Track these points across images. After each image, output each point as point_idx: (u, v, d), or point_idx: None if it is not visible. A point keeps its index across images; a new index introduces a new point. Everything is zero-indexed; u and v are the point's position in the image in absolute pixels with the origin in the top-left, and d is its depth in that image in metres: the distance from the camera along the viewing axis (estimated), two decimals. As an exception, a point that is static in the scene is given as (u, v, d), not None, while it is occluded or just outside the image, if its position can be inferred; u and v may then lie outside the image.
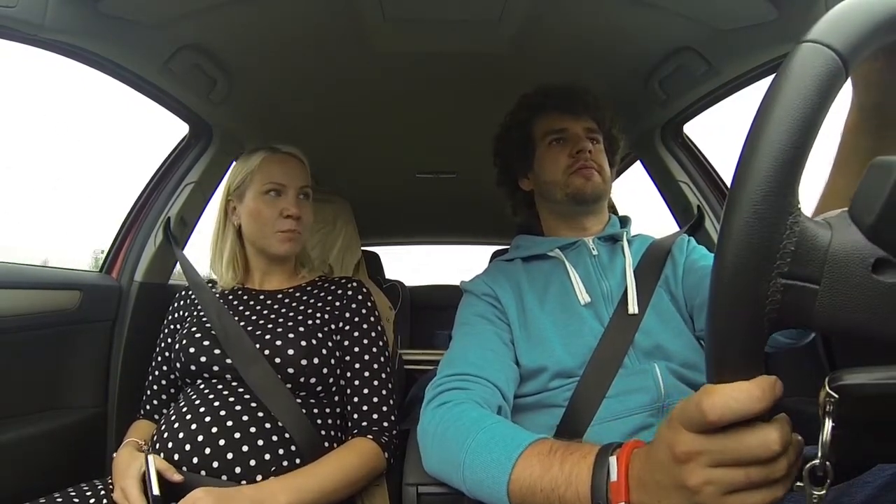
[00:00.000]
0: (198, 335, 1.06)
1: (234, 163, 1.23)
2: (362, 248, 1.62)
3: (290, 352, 1.02)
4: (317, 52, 1.20)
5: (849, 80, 0.49)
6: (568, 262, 1.00)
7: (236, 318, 1.09)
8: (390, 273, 2.54)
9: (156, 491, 0.85)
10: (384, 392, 1.08)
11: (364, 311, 1.14)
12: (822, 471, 0.38)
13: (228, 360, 1.01)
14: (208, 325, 1.08)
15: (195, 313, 1.14)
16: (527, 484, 0.61)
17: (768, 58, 1.09)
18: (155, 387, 1.16)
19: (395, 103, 1.46)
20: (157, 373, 1.16)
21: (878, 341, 0.36)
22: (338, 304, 1.14)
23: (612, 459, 0.54)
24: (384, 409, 1.07)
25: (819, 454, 0.38)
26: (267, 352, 1.02)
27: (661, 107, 1.38)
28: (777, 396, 0.38)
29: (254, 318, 1.11)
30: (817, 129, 0.36)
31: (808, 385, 0.47)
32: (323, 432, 1.03)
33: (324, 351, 1.05)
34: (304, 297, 1.16)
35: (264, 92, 1.37)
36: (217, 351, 1.03)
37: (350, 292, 1.16)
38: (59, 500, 0.91)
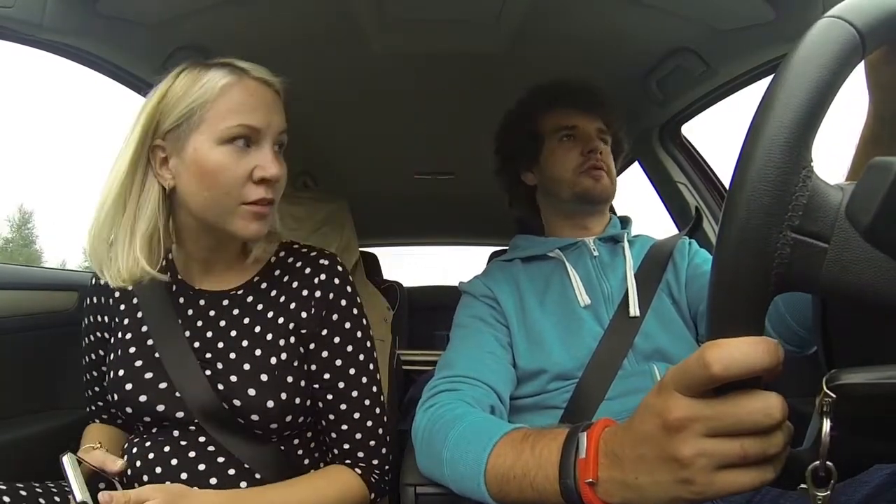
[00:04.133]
0: (147, 375, 0.79)
1: (165, 78, 0.77)
2: (360, 248, 1.62)
3: (251, 392, 0.76)
4: (315, 53, 1.20)
5: (865, 89, 0.50)
6: (568, 263, 0.99)
7: (187, 334, 0.81)
8: (388, 273, 2.53)
9: (80, 497, 0.68)
10: (376, 413, 0.84)
11: (344, 301, 0.84)
12: (825, 471, 0.38)
13: (181, 413, 0.77)
14: (157, 353, 0.79)
15: (136, 327, 0.83)
16: (501, 472, 0.60)
17: (766, 58, 1.10)
18: (93, 390, 0.93)
19: (394, 104, 1.46)
20: (95, 388, 0.92)
21: (883, 306, 0.36)
22: (306, 293, 0.83)
23: (582, 436, 0.51)
24: (373, 440, 0.84)
25: (819, 455, 0.38)
26: (220, 387, 0.77)
27: (659, 107, 1.38)
28: (781, 359, 0.37)
29: (201, 333, 0.81)
30: (832, 95, 0.36)
31: (805, 385, 0.47)
32: (307, 466, 0.85)
33: (292, 378, 0.79)
34: (261, 299, 0.84)
35: None
36: (178, 395, 0.77)
37: (323, 275, 0.84)
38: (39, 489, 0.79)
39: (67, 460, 0.72)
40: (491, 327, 0.94)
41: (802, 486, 0.39)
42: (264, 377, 0.77)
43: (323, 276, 0.84)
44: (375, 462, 0.84)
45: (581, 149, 1.03)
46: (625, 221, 1.10)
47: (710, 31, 1.07)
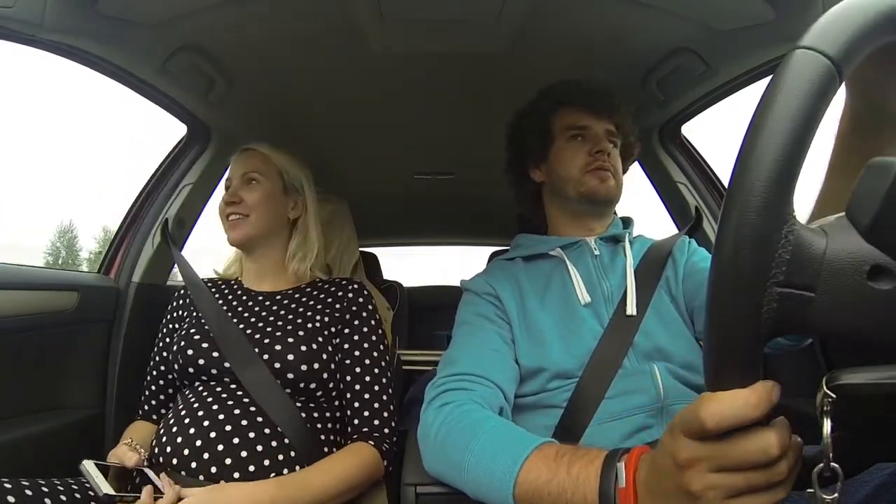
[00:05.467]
0: (196, 336, 1.05)
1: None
2: (360, 248, 1.62)
3: (290, 356, 1.00)
4: (315, 53, 1.20)
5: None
6: (569, 262, 1.00)
7: (235, 320, 1.09)
8: (388, 274, 2.53)
9: (103, 490, 0.82)
10: (384, 397, 1.07)
11: (365, 314, 1.13)
12: (830, 471, 0.38)
13: (227, 364, 1.00)
14: (206, 326, 1.06)
15: (194, 314, 1.13)
16: (533, 487, 0.62)
17: (766, 59, 1.09)
18: (153, 387, 1.15)
19: (394, 103, 1.46)
20: (154, 373, 1.14)
21: (875, 347, 0.36)
22: (338, 306, 1.12)
23: (621, 465, 0.54)
24: (385, 414, 1.06)
25: (822, 456, 0.38)
26: (266, 356, 1.00)
27: (659, 108, 1.38)
28: (774, 402, 0.38)
29: (252, 319, 1.10)
30: (811, 138, 0.36)
31: (807, 385, 0.47)
32: (322, 436, 1.03)
33: (324, 356, 1.04)
34: (304, 299, 1.14)
35: (262, 92, 1.37)
36: (215, 354, 1.01)
37: (351, 294, 1.14)
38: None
39: (85, 465, 0.85)
40: (494, 324, 0.95)
41: (809, 490, 0.39)
42: (303, 347, 1.02)
43: (350, 294, 1.15)
44: (386, 431, 1.05)
45: (589, 149, 1.03)
46: (627, 222, 1.11)
47: (710, 31, 1.07)
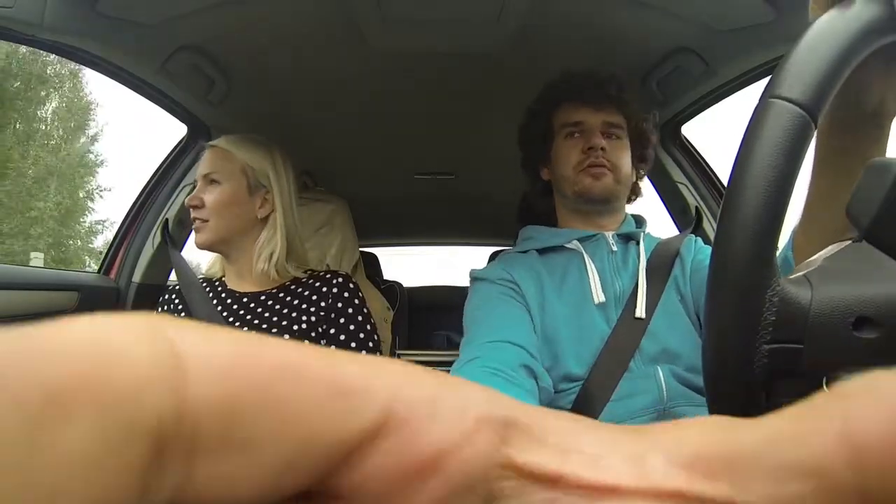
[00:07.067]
0: None
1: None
2: (360, 248, 1.62)
3: None
4: (315, 53, 1.20)
5: None
6: (587, 256, 0.95)
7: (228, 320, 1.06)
8: (388, 273, 2.54)
9: None
10: None
11: (351, 309, 1.07)
12: None
13: None
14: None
15: (184, 316, 1.10)
16: None
17: (766, 59, 1.10)
18: None
19: (394, 103, 1.46)
20: None
21: None
22: (323, 304, 1.07)
23: None
24: None
25: None
26: None
27: (659, 107, 1.38)
28: None
29: (237, 324, 1.06)
30: (790, 191, 0.36)
31: (808, 387, 0.47)
32: None
33: None
34: (289, 298, 1.09)
35: (262, 92, 1.37)
36: None
37: (336, 289, 1.08)
38: None
39: None
40: (515, 300, 0.89)
41: None
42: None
43: (335, 289, 1.08)
44: None
45: (583, 146, 0.98)
46: (640, 221, 1.07)
47: (710, 32, 1.08)
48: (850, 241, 0.40)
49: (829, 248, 0.40)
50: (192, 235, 1.10)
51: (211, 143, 1.12)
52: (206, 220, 1.06)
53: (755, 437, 0.11)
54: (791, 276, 0.38)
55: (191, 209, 1.07)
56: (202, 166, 1.10)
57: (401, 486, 0.10)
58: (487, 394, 0.12)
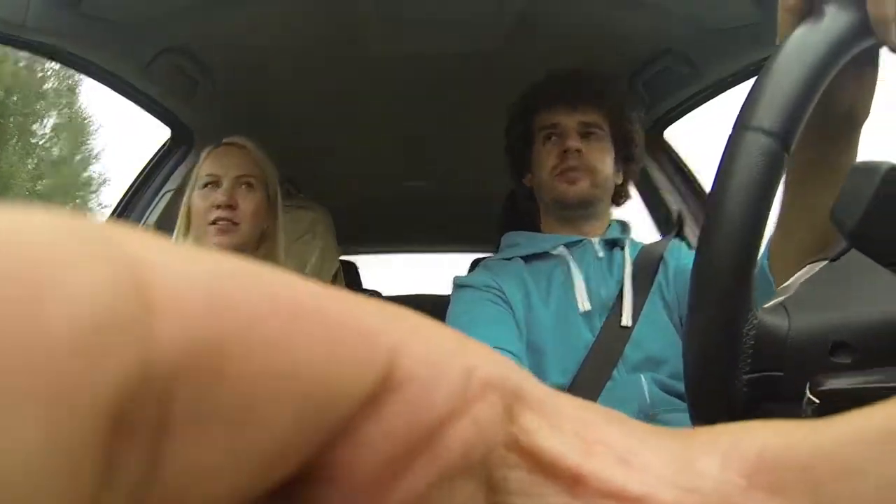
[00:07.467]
0: None
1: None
2: (341, 258, 1.61)
3: None
4: (303, 55, 1.19)
5: None
6: (573, 263, 0.93)
7: None
8: (368, 283, 2.51)
9: None
10: None
11: None
12: None
13: None
14: None
15: None
16: None
17: (752, 60, 1.10)
18: None
19: (384, 107, 1.45)
20: None
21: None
22: None
23: None
24: None
25: None
26: None
27: (645, 110, 1.39)
28: None
29: None
30: (764, 224, 0.37)
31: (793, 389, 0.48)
32: None
33: None
34: None
35: (247, 94, 1.36)
36: None
37: None
38: None
39: None
40: (499, 306, 0.87)
41: None
42: None
43: None
44: None
45: (559, 149, 0.95)
46: (624, 227, 1.05)
47: (698, 32, 1.09)
48: (825, 262, 0.41)
49: (805, 269, 0.41)
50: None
51: (240, 142, 1.07)
52: (238, 224, 1.01)
53: (841, 437, 0.09)
54: (767, 306, 0.39)
55: (216, 207, 1.00)
56: (232, 166, 1.03)
57: (392, 468, 0.08)
58: (500, 359, 0.10)
